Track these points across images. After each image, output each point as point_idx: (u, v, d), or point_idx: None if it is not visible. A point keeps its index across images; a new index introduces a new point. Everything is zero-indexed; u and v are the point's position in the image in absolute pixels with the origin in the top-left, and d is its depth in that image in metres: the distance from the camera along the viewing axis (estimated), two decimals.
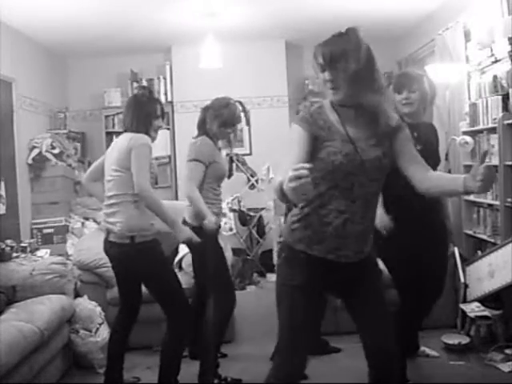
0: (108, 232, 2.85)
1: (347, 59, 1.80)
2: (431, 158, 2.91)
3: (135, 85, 6.32)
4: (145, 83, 6.31)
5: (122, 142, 2.85)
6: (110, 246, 2.86)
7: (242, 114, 3.28)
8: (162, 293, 2.88)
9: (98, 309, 3.55)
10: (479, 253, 4.02)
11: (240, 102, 3.27)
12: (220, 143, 3.25)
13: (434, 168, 2.97)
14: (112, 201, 2.82)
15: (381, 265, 2.99)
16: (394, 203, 2.69)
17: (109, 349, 3.02)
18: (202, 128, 3.20)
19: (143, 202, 2.76)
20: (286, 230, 2.02)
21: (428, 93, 2.87)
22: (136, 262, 2.78)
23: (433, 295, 2.91)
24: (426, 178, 1.90)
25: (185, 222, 3.13)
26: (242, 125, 3.22)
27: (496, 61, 4.01)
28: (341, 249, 1.91)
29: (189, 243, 3.02)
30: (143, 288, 2.96)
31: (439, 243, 2.96)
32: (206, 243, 3.01)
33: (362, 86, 1.84)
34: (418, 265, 2.79)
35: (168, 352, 2.92)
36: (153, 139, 2.91)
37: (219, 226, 3.27)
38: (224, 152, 3.35)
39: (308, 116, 1.89)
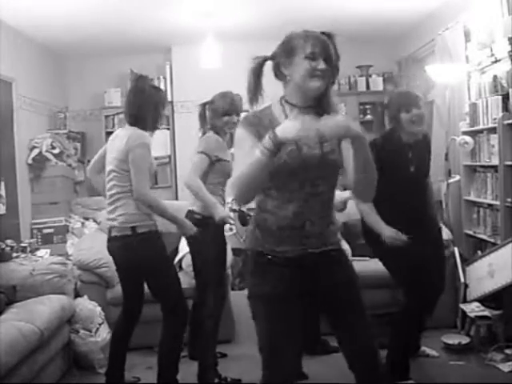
0: (110, 229, 2.85)
1: (336, 57, 1.87)
2: (421, 176, 2.91)
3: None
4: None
5: (120, 140, 2.81)
6: (112, 242, 2.85)
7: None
8: (161, 288, 2.87)
9: (98, 309, 3.55)
10: (479, 253, 4.02)
11: (239, 95, 3.26)
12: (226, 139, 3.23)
13: (424, 182, 2.97)
14: (112, 199, 2.83)
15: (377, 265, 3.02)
16: (389, 207, 2.70)
17: (110, 350, 3.01)
18: (203, 125, 3.20)
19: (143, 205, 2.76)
20: (249, 237, 1.97)
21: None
22: (138, 253, 2.77)
23: (435, 294, 2.91)
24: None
25: (192, 213, 3.11)
26: (240, 118, 3.18)
27: (496, 61, 4.01)
28: (305, 244, 1.88)
29: (190, 238, 3.02)
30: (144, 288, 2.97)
31: (436, 241, 2.96)
32: (208, 236, 3.01)
33: (330, 86, 1.90)
34: (419, 265, 2.79)
35: (165, 351, 2.91)
36: (155, 130, 2.92)
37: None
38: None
39: (252, 117, 1.89)
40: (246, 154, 1.78)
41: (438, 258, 2.98)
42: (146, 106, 2.82)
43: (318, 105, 1.88)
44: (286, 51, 1.87)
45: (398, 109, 2.81)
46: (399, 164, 2.79)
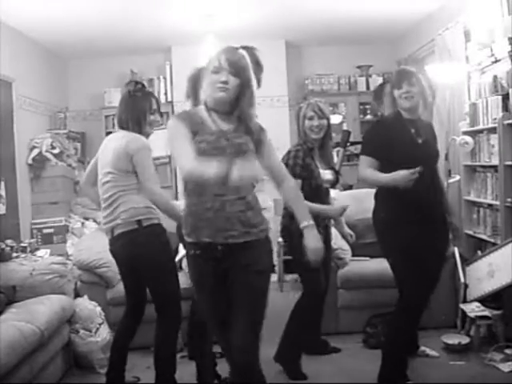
0: (112, 230, 2.82)
1: (245, 73, 2.13)
2: (430, 151, 2.92)
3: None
4: (145, 83, 6.30)
5: (116, 143, 2.81)
6: (116, 241, 2.82)
7: None
8: (161, 284, 2.85)
9: (98, 309, 3.55)
10: (479, 253, 4.02)
11: None
12: None
13: (435, 162, 2.97)
14: (111, 199, 2.80)
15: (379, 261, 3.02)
16: (398, 198, 2.70)
17: (112, 350, 3.00)
18: None
19: (155, 204, 2.77)
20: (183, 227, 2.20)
21: (426, 88, 2.89)
22: (144, 246, 2.75)
23: (431, 288, 2.91)
24: (282, 187, 2.27)
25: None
26: None
27: (496, 61, 4.01)
28: (226, 230, 2.09)
29: None
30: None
31: (441, 237, 2.95)
32: None
33: (246, 97, 2.16)
34: (420, 259, 2.78)
35: (160, 350, 2.90)
36: (148, 135, 2.91)
37: None
38: None
39: (184, 113, 2.22)
40: (183, 142, 2.09)
41: (440, 251, 2.97)
42: (127, 112, 2.87)
43: (234, 111, 2.17)
44: (206, 67, 2.17)
45: (392, 85, 2.90)
46: (404, 138, 2.83)
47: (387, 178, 2.73)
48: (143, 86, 3.01)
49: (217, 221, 2.09)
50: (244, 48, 2.18)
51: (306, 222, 2.23)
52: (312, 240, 2.19)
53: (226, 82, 2.09)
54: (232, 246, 2.10)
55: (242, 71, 2.11)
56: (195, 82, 2.23)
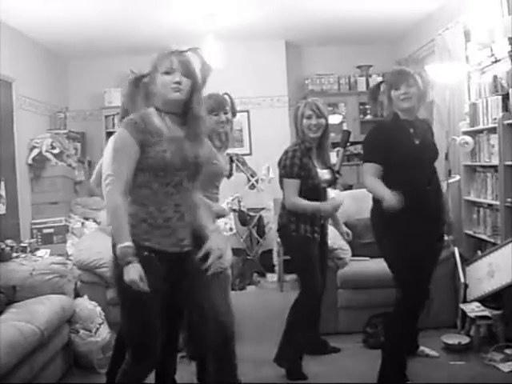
0: None
1: (196, 74, 2.20)
2: (429, 151, 2.93)
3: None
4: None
5: None
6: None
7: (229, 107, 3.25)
8: None
9: (98, 309, 3.55)
10: (479, 253, 4.02)
11: (227, 94, 3.24)
12: (217, 142, 3.21)
13: (433, 161, 2.97)
14: None
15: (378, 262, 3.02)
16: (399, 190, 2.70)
17: (114, 350, 3.00)
18: None
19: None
20: (134, 231, 2.06)
21: (422, 88, 2.89)
22: None
23: (426, 287, 2.92)
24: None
25: None
26: (229, 116, 3.15)
27: (496, 61, 4.01)
28: (184, 239, 2.16)
29: None
30: None
31: (437, 236, 2.96)
32: None
33: (196, 96, 2.19)
34: (417, 258, 2.78)
35: (162, 350, 2.90)
36: None
37: None
38: (225, 152, 3.32)
39: (139, 121, 2.12)
40: (129, 159, 2.05)
41: (436, 251, 2.98)
42: (130, 108, 2.84)
43: (185, 112, 2.18)
44: (151, 70, 2.20)
45: (389, 86, 2.89)
46: (403, 140, 2.83)
47: (384, 194, 2.72)
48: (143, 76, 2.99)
49: (177, 231, 2.13)
50: (190, 50, 2.28)
51: (212, 227, 2.30)
52: (218, 241, 2.23)
53: (179, 83, 2.12)
54: (181, 255, 2.15)
55: (193, 72, 2.17)
56: (135, 87, 2.29)
